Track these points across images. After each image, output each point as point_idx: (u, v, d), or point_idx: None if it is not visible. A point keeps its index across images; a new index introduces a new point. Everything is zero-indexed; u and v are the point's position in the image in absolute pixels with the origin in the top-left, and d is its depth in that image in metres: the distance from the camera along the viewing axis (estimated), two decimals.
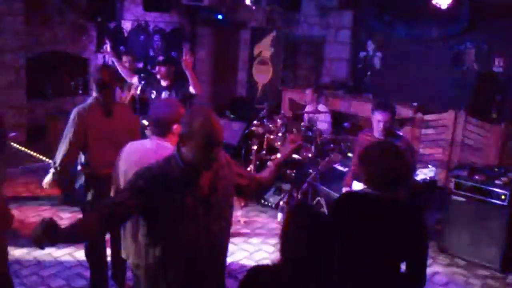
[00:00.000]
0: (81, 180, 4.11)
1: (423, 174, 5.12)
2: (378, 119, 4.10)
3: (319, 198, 5.79)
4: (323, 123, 6.73)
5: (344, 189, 4.45)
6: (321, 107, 6.94)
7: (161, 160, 2.35)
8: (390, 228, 2.37)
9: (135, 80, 5.83)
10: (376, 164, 2.40)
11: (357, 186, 4.27)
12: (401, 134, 4.49)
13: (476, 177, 5.12)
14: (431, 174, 4.42)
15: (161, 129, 2.83)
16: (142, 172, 2.31)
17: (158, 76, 5.50)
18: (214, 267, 2.45)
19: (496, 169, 5.30)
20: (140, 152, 2.84)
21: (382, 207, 2.40)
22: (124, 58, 6.88)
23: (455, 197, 5.15)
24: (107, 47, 5.80)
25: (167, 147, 2.74)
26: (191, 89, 5.21)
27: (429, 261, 5.10)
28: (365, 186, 2.52)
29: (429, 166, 4.35)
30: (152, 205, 2.27)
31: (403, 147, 3.68)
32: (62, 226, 2.17)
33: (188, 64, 5.04)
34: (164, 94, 5.40)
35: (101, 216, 2.26)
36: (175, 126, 2.78)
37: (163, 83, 5.50)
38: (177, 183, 2.28)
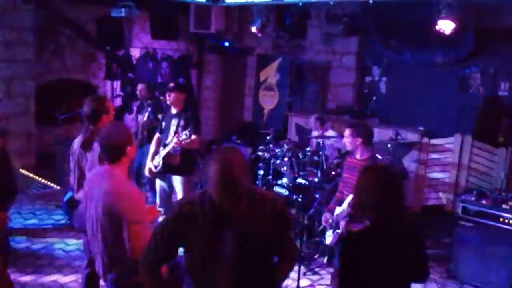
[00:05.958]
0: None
1: None
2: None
3: None
4: (331, 148, 6.73)
5: (327, 215, 4.41)
6: (330, 133, 6.95)
7: (201, 191, 2.44)
8: (393, 257, 2.37)
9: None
10: (367, 193, 2.39)
11: (339, 211, 4.26)
12: (380, 157, 4.53)
13: (484, 201, 5.09)
14: None
15: (115, 154, 2.84)
16: (183, 200, 2.43)
17: (168, 103, 5.38)
18: None
19: (504, 194, 5.25)
20: (91, 181, 2.94)
21: (382, 239, 2.38)
22: (139, 86, 7.14)
23: (462, 222, 5.12)
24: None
25: (114, 174, 2.80)
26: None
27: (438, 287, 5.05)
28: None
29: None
30: (185, 234, 2.34)
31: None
32: None
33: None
34: (174, 121, 5.28)
35: (153, 265, 2.42)
36: (128, 148, 2.84)
37: (173, 110, 5.37)
38: (204, 216, 2.31)
